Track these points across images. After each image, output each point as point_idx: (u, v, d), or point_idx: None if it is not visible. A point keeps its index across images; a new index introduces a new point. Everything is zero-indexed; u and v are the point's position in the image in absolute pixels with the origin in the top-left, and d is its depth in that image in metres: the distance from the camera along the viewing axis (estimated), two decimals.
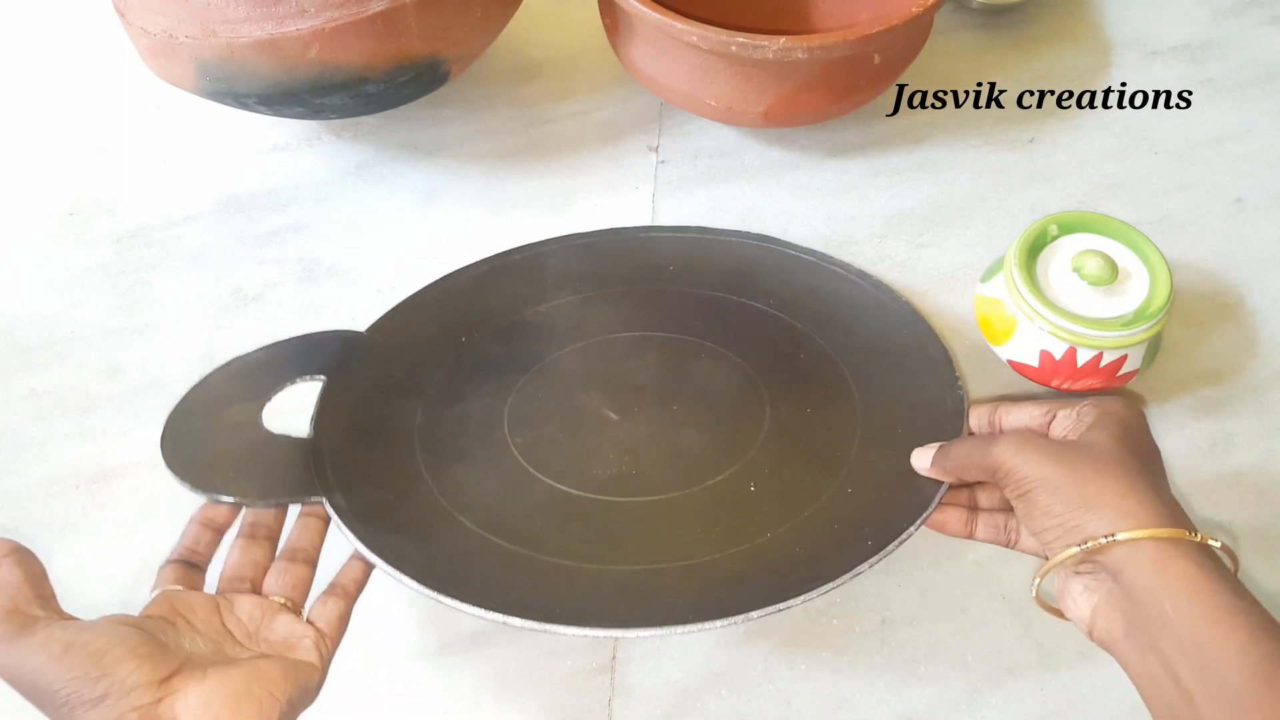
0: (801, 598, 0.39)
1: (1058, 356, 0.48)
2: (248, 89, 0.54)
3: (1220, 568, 0.33)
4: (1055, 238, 0.50)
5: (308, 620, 0.40)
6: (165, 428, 0.46)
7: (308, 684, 0.36)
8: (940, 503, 0.43)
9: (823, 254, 0.58)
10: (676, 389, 0.51)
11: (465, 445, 0.49)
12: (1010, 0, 0.69)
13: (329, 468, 0.46)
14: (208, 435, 0.47)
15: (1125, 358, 0.47)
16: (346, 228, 0.62)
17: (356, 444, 0.48)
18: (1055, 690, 0.45)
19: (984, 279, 0.52)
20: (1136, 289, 0.48)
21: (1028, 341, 0.48)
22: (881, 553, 0.40)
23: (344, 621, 0.41)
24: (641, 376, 0.52)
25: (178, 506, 0.43)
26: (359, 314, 0.55)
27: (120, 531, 0.50)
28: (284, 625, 0.39)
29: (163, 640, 0.34)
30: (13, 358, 0.56)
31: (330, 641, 0.39)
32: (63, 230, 0.62)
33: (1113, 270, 0.47)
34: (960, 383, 0.49)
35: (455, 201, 0.63)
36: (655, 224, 0.61)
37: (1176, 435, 0.52)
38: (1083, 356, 0.47)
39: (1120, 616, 0.34)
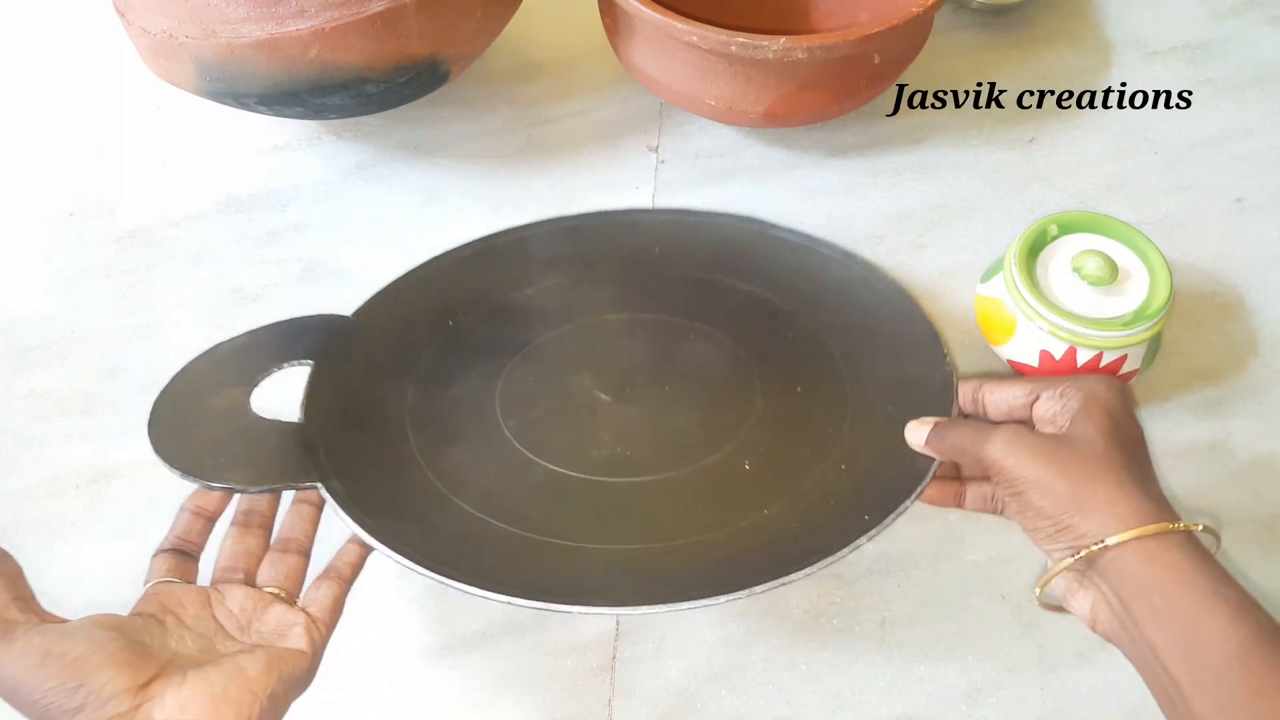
0: (803, 571, 0.38)
1: (1057, 357, 0.48)
2: (248, 89, 0.54)
3: (1204, 554, 0.34)
4: (1055, 238, 0.50)
5: (300, 607, 0.39)
6: (151, 414, 0.45)
7: (295, 672, 0.36)
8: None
9: (808, 234, 0.57)
10: (667, 370, 0.51)
11: (458, 428, 0.48)
12: (1010, 0, 0.69)
13: (322, 452, 0.45)
14: (196, 421, 0.46)
15: (1125, 358, 0.48)
16: (346, 228, 0.62)
17: (348, 428, 0.47)
18: (1055, 690, 0.45)
19: (984, 279, 0.52)
20: (1136, 289, 0.48)
21: (1028, 341, 0.48)
22: (879, 526, 0.40)
23: (338, 605, 0.40)
24: (631, 358, 0.52)
25: (178, 505, 0.43)
26: None
27: (120, 531, 0.50)
28: (276, 615, 0.38)
29: (145, 642, 0.34)
30: (13, 358, 0.56)
31: (323, 626, 0.39)
32: (63, 230, 0.62)
33: (1113, 270, 0.47)
34: (948, 359, 0.48)
35: (455, 201, 0.63)
36: (638, 206, 0.61)
37: (1176, 435, 0.52)
38: (1083, 356, 0.47)
39: (1113, 613, 0.36)
